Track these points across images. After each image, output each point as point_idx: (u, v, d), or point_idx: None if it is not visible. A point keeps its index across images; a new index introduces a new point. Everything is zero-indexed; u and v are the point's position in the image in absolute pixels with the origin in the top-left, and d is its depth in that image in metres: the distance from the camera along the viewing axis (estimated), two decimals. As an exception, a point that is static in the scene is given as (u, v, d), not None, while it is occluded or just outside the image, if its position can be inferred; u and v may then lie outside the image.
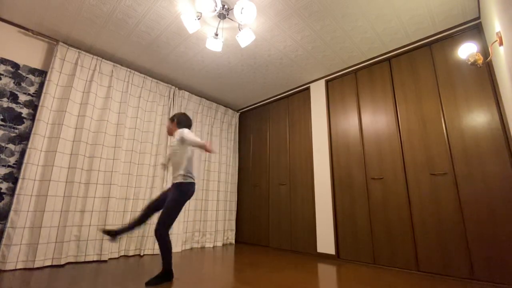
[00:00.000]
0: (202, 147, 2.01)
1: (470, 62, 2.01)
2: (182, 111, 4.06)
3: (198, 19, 2.46)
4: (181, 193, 2.11)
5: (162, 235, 2.02)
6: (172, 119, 2.41)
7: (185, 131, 2.15)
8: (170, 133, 2.42)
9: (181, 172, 2.17)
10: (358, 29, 2.76)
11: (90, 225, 2.85)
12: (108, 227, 2.81)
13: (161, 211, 2.13)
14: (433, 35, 2.80)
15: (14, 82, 2.72)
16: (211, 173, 4.28)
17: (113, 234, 2.11)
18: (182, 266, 2.64)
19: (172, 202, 2.07)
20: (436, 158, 2.58)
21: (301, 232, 3.56)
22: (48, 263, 2.51)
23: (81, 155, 2.88)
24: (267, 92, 4.33)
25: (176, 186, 2.13)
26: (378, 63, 3.23)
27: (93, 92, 3.09)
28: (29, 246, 2.45)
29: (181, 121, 2.39)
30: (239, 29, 2.60)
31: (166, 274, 2.05)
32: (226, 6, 2.45)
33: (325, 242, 3.25)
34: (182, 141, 2.16)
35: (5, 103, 2.65)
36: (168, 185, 3.57)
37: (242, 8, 2.25)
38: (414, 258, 2.55)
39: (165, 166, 2.49)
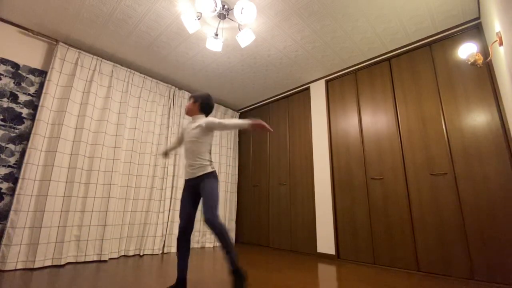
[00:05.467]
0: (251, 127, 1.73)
1: (470, 62, 2.01)
2: (182, 111, 4.06)
3: (198, 19, 2.46)
4: (215, 179, 1.86)
5: (214, 221, 1.69)
6: (196, 100, 2.00)
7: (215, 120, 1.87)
8: (190, 114, 2.03)
9: (205, 161, 1.88)
10: (358, 29, 2.76)
11: (90, 225, 2.85)
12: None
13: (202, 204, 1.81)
14: (433, 35, 2.80)
15: (14, 82, 2.72)
16: (211, 173, 4.28)
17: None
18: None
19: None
20: (436, 158, 2.58)
21: (301, 232, 3.56)
22: (48, 263, 2.51)
23: (81, 155, 2.88)
24: (267, 92, 4.33)
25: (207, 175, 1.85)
26: (378, 63, 3.23)
27: (93, 92, 3.09)
28: (29, 246, 2.45)
29: (205, 106, 2.01)
30: (239, 29, 2.60)
31: (237, 273, 1.66)
32: (226, 6, 2.45)
33: (325, 242, 3.25)
34: (212, 128, 1.87)
35: (5, 103, 2.65)
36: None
37: (242, 8, 2.25)
38: (414, 258, 2.55)
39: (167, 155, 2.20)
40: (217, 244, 1.58)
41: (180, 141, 2.15)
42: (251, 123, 1.74)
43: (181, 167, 3.83)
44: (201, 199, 1.86)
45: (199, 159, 1.88)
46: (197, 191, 1.89)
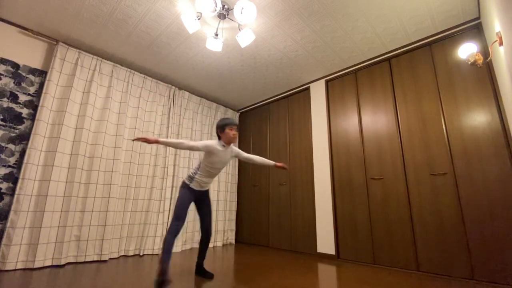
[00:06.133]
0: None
1: (470, 62, 2.01)
2: (182, 111, 4.06)
3: (198, 19, 2.46)
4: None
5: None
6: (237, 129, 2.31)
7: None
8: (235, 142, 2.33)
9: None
10: (358, 29, 2.76)
11: (90, 225, 2.85)
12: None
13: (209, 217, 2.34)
14: (433, 35, 2.80)
15: (14, 82, 2.72)
16: (211, 173, 4.28)
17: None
18: (183, 266, 2.64)
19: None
20: (436, 158, 2.58)
21: (301, 232, 3.56)
22: (48, 263, 2.51)
23: (81, 155, 2.88)
24: (267, 92, 4.33)
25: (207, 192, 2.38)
26: (378, 63, 3.23)
27: (93, 92, 3.08)
28: (29, 246, 2.45)
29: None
30: (239, 29, 2.60)
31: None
32: (226, 6, 2.45)
33: (325, 242, 3.25)
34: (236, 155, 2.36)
35: (5, 103, 2.65)
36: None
37: (242, 8, 2.25)
38: (414, 258, 2.55)
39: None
40: (207, 245, 2.35)
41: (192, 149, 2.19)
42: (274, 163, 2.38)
43: (180, 167, 3.83)
44: (205, 209, 2.33)
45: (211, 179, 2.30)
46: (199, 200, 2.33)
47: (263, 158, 2.40)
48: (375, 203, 2.91)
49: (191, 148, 2.08)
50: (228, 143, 2.20)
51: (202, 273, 2.27)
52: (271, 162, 2.39)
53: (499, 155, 2.24)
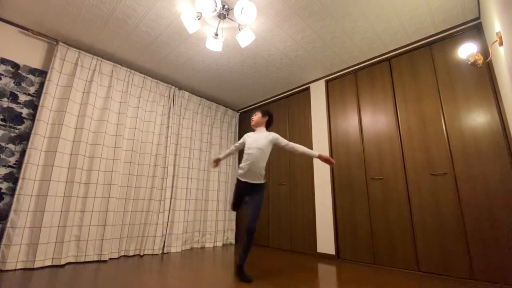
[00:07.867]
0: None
1: (470, 62, 2.01)
2: (182, 111, 4.06)
3: (198, 19, 2.46)
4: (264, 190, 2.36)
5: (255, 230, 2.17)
6: (264, 114, 2.47)
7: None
8: (256, 125, 2.48)
9: (263, 172, 2.35)
10: (358, 29, 2.76)
11: (90, 225, 2.85)
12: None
13: (251, 209, 2.21)
14: (433, 35, 2.80)
15: (14, 82, 2.72)
16: (211, 173, 4.28)
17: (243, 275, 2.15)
18: (182, 266, 2.64)
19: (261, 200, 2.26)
20: (436, 158, 2.58)
21: (301, 232, 3.56)
22: (48, 263, 2.51)
23: (81, 155, 2.88)
24: (267, 92, 4.33)
25: (263, 186, 2.33)
26: (378, 63, 3.23)
27: (93, 92, 3.08)
28: (29, 246, 2.45)
29: (271, 122, 2.52)
30: (239, 29, 2.60)
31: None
32: (226, 6, 2.45)
33: (325, 242, 3.25)
34: (275, 144, 2.35)
35: (5, 103, 2.65)
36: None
37: (242, 8, 2.25)
38: (414, 258, 2.55)
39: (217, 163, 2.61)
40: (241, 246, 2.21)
41: (238, 149, 2.59)
42: (319, 155, 2.15)
43: (181, 167, 3.83)
44: (249, 204, 2.23)
45: (261, 168, 2.31)
46: (248, 193, 2.31)
47: (305, 148, 2.21)
48: (375, 203, 2.91)
49: (238, 148, 2.55)
50: (253, 126, 2.52)
51: (239, 274, 2.17)
52: (315, 153, 2.15)
53: (499, 155, 2.24)
